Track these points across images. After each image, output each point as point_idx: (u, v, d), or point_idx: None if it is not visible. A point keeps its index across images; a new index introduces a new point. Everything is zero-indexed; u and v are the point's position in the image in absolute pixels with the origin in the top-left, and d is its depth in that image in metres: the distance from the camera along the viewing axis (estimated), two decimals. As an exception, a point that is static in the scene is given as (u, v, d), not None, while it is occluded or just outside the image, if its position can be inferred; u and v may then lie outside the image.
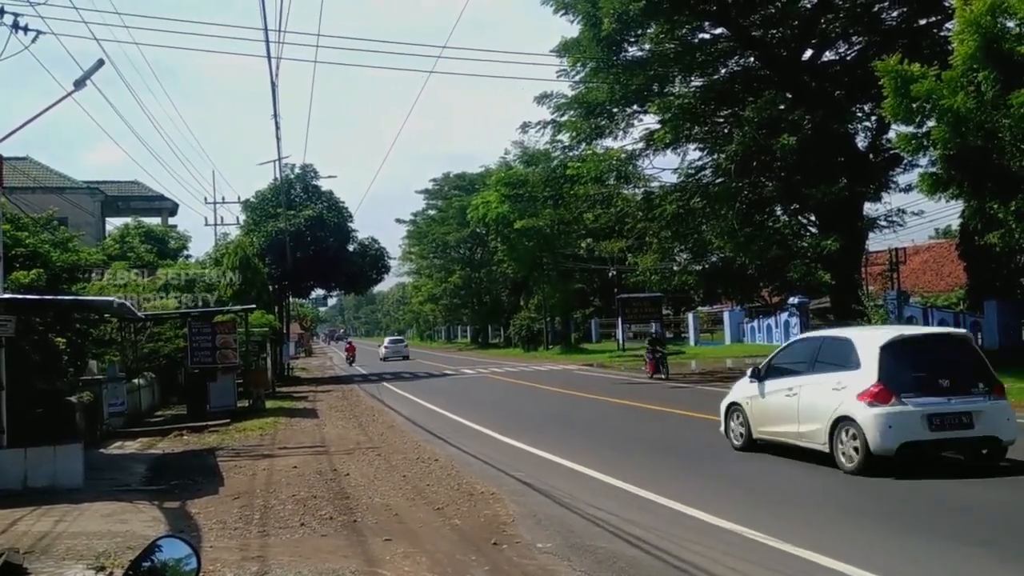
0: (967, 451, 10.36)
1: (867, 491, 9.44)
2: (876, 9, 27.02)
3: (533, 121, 31.65)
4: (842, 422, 10.21)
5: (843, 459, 10.15)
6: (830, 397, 10.46)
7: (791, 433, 11.13)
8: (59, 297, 15.21)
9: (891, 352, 10.22)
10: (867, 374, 10.11)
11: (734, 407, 12.61)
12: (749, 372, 12.44)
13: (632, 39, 27.90)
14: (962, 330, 16.61)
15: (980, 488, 9.52)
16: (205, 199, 46.05)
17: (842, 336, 11.62)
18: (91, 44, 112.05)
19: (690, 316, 55.43)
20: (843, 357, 10.73)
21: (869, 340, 10.60)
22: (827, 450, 10.41)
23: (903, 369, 10.23)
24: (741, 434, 12.32)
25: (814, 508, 8.93)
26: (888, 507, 8.73)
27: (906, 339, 10.83)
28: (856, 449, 9.96)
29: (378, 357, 56.90)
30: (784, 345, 13.98)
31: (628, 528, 8.04)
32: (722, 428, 12.91)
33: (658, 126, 28.05)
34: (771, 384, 11.73)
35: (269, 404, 23.26)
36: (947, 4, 21.77)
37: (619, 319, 52.29)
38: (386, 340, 64.21)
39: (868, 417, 9.81)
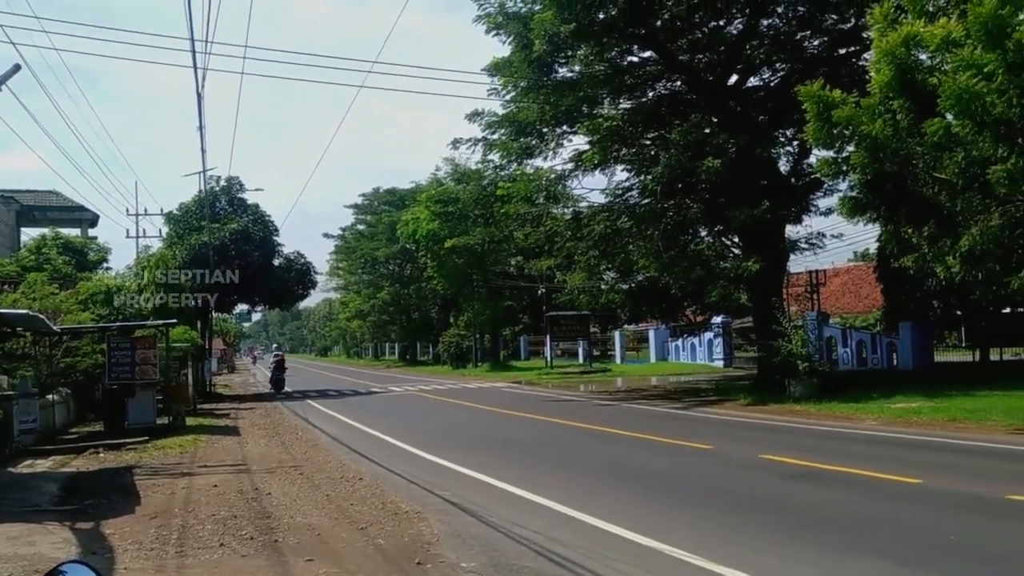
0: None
1: (804, 506, 9.64)
2: (798, 38, 27.79)
3: (464, 138, 31.63)
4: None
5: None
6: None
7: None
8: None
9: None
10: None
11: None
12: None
13: (562, 60, 28.18)
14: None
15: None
16: (127, 210, 45.06)
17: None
18: (6, 48, 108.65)
19: (617, 334, 55.98)
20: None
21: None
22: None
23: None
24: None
25: (738, 522, 9.03)
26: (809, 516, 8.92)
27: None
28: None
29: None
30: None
31: (553, 547, 8.04)
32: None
33: (587, 147, 28.34)
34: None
35: (190, 421, 22.76)
36: (865, 36, 22.51)
37: (547, 336, 52.54)
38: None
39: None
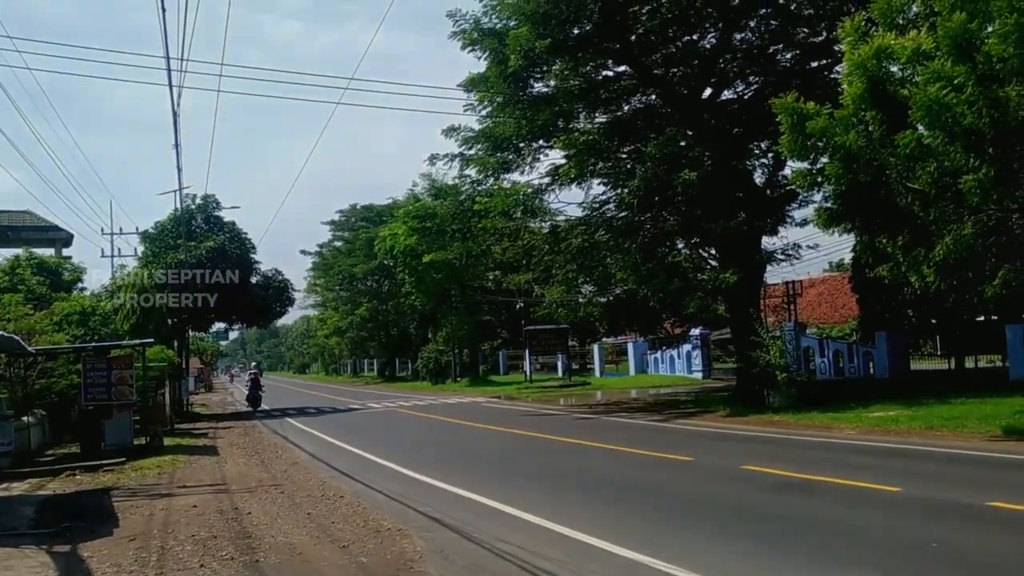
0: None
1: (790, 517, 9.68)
2: (771, 51, 28.05)
3: (441, 153, 31.60)
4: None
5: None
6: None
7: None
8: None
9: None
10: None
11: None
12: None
13: (538, 75, 28.29)
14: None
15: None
16: (102, 230, 44.59)
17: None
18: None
19: (595, 347, 56.04)
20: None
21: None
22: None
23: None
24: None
25: (721, 533, 9.05)
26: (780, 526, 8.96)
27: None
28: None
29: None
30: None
31: (537, 562, 8.02)
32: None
33: (563, 161, 28.43)
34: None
35: (168, 441, 22.53)
36: (836, 49, 22.78)
37: (526, 351, 52.51)
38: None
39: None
